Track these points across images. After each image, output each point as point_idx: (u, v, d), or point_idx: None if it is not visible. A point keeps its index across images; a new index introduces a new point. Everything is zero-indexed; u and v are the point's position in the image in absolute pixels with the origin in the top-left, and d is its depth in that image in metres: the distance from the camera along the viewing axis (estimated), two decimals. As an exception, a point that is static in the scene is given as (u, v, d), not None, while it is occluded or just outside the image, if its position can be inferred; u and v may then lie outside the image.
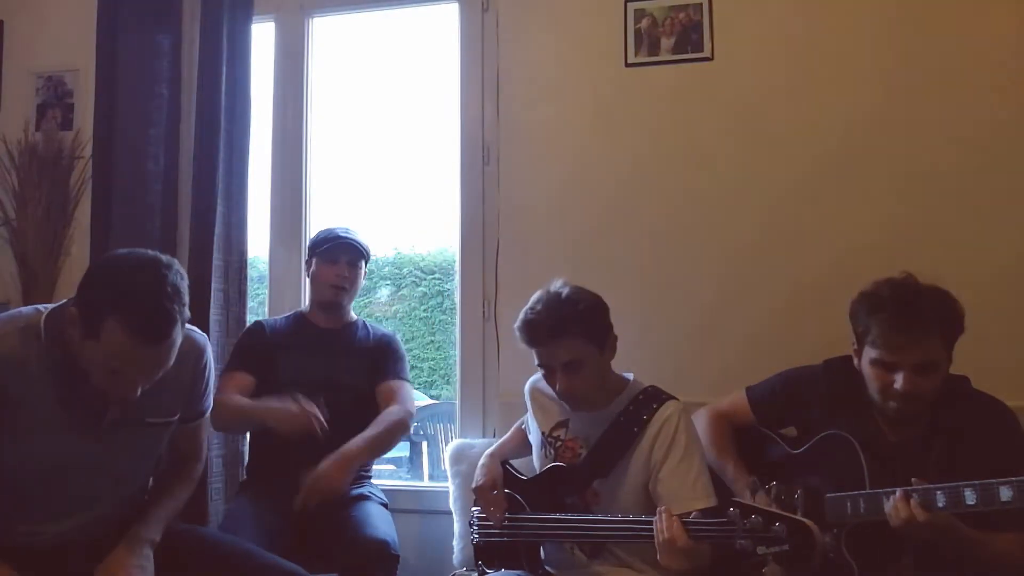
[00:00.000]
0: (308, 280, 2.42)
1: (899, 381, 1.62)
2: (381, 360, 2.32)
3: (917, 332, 1.61)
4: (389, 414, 2.18)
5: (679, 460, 1.73)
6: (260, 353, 2.30)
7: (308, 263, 2.39)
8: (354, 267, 2.34)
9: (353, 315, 2.43)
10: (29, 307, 1.62)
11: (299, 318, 2.41)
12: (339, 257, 2.32)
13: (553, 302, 1.74)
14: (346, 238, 2.33)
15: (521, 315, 1.77)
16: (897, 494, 1.57)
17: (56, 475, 1.60)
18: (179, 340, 1.51)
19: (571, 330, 1.72)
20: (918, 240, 2.24)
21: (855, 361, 1.77)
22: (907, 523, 1.54)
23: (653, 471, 1.76)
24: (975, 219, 2.22)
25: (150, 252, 1.52)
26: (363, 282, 2.41)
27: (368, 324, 2.43)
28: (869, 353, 1.68)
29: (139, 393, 1.52)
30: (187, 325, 1.69)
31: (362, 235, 2.39)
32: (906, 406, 1.65)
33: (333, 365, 2.28)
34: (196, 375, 1.75)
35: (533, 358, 1.79)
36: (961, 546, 1.56)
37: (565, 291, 1.76)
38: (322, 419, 2.05)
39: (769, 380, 1.96)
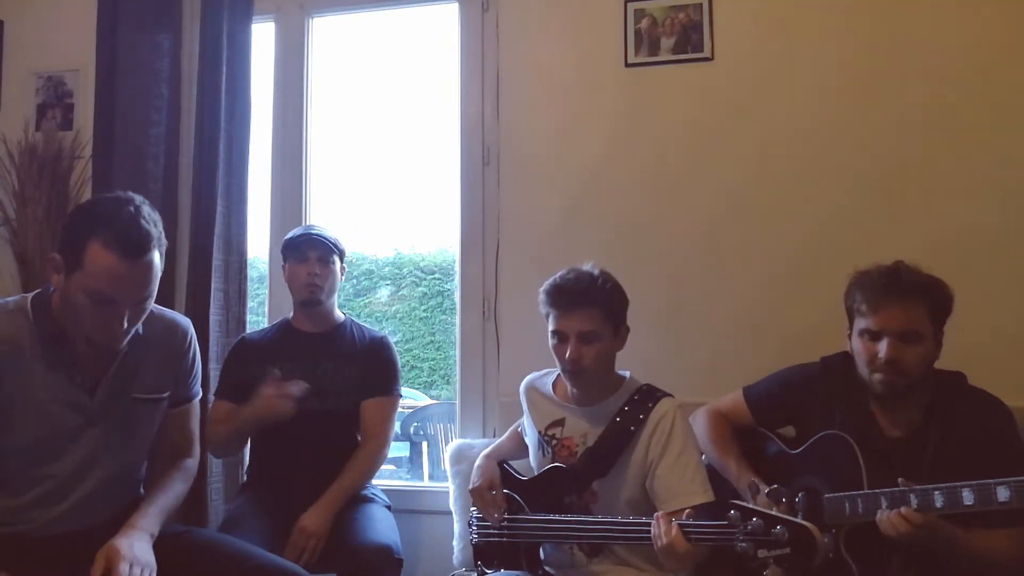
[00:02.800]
0: (287, 284, 2.36)
1: (883, 349, 1.65)
2: (372, 370, 2.28)
3: (899, 294, 1.66)
4: (367, 458, 2.20)
5: (676, 456, 1.74)
6: (243, 374, 2.27)
7: (283, 267, 2.35)
8: (325, 263, 2.29)
9: (340, 315, 2.39)
10: (14, 296, 1.68)
11: (284, 326, 2.38)
12: (308, 255, 2.28)
13: (583, 274, 1.81)
14: (313, 235, 2.30)
15: (549, 280, 1.83)
16: (891, 511, 1.57)
17: (49, 453, 1.62)
18: (159, 265, 1.58)
19: (594, 302, 1.77)
20: (919, 240, 2.23)
21: (848, 347, 1.79)
22: (901, 536, 1.54)
23: (650, 468, 1.77)
24: (976, 219, 2.22)
25: (121, 192, 1.62)
26: (341, 279, 2.36)
27: (358, 325, 2.40)
28: (858, 325, 1.72)
29: (126, 329, 1.56)
30: (175, 312, 1.82)
31: (331, 231, 2.35)
32: (891, 377, 1.66)
33: (322, 372, 2.26)
34: (181, 353, 1.80)
35: (550, 323, 1.82)
36: (950, 546, 1.57)
37: (596, 270, 1.83)
38: (294, 391, 2.08)
39: (766, 380, 1.97)
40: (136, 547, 1.57)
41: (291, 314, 2.40)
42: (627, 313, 1.86)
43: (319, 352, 2.28)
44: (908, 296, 1.66)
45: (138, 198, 1.59)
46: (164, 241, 1.60)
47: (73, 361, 1.63)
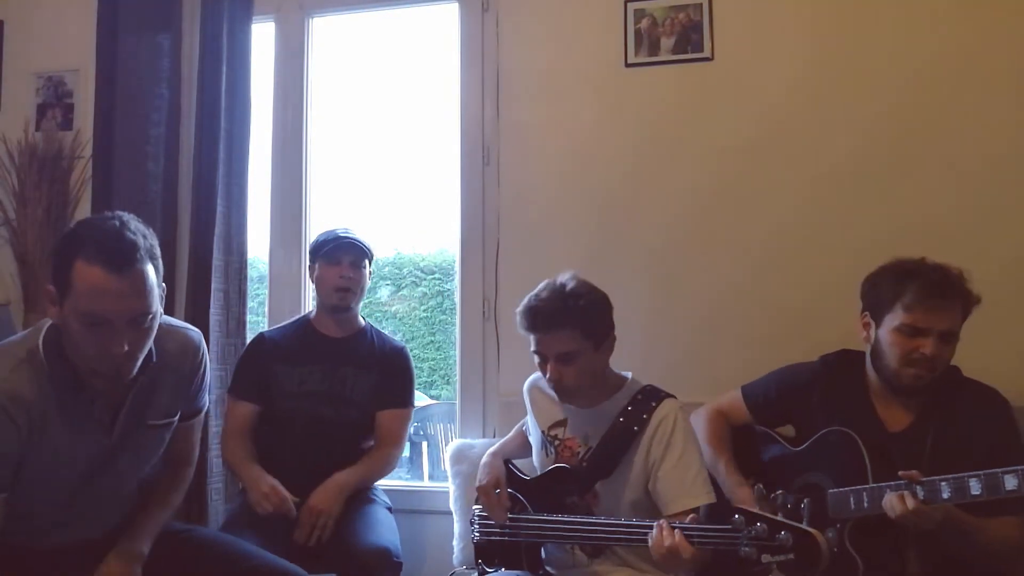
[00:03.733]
0: (313, 285, 2.35)
1: (928, 346, 1.67)
2: (389, 381, 2.27)
3: (950, 298, 1.69)
4: (381, 457, 2.22)
5: (677, 458, 1.74)
6: (261, 373, 2.27)
7: (311, 268, 2.33)
8: (357, 268, 2.27)
9: (362, 321, 2.38)
10: (24, 332, 1.62)
11: (305, 326, 2.36)
12: (341, 258, 2.25)
13: (557, 293, 1.76)
14: (347, 238, 2.27)
15: (524, 300, 1.79)
16: (893, 494, 1.57)
17: (68, 487, 1.60)
18: (153, 279, 1.48)
19: (568, 323, 1.73)
20: (922, 240, 2.22)
21: (864, 335, 1.79)
22: (905, 516, 1.54)
23: (652, 470, 1.76)
24: (980, 221, 2.22)
25: (107, 212, 1.54)
26: (369, 282, 2.35)
27: (379, 332, 2.38)
28: (895, 319, 1.71)
29: (128, 352, 1.46)
30: (182, 323, 1.75)
31: (363, 235, 2.33)
32: (924, 373, 1.68)
33: (340, 378, 2.25)
34: (193, 373, 1.74)
35: (530, 343, 1.80)
36: (960, 534, 1.57)
37: (571, 284, 1.77)
38: (291, 505, 2.04)
39: (765, 378, 1.97)
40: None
41: (312, 314, 2.38)
42: (613, 319, 1.81)
43: (339, 357, 2.27)
44: (956, 298, 1.69)
45: (125, 215, 1.50)
46: (157, 254, 1.50)
47: (91, 402, 1.57)
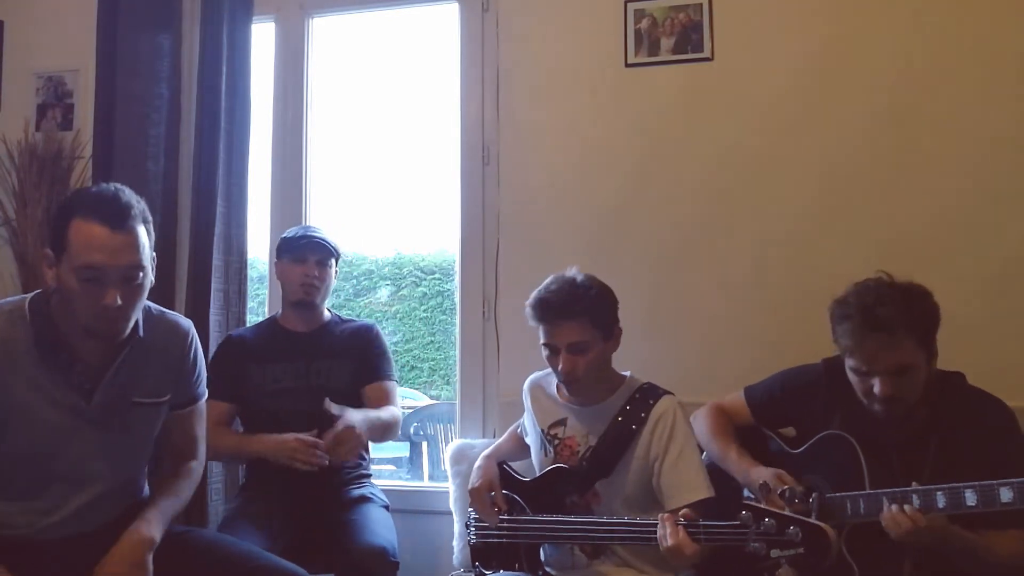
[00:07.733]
0: (279, 282, 2.35)
1: (877, 386, 1.62)
2: (367, 359, 2.27)
3: (884, 338, 1.59)
4: (388, 411, 2.17)
5: (678, 453, 1.75)
6: (233, 373, 2.25)
7: (276, 264, 2.34)
8: (323, 266, 2.28)
9: (327, 313, 2.38)
10: (14, 296, 1.67)
11: (272, 325, 2.37)
12: (307, 256, 2.26)
13: (567, 284, 1.80)
14: (314, 238, 2.28)
15: (534, 293, 1.82)
16: (892, 507, 1.56)
17: (48, 457, 1.61)
18: (146, 240, 1.58)
19: (580, 312, 1.76)
20: (917, 237, 2.24)
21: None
22: (907, 534, 1.53)
23: (653, 465, 1.77)
24: (974, 217, 2.22)
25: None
26: (335, 282, 2.35)
27: (342, 319, 2.39)
28: (847, 361, 1.69)
29: (121, 307, 1.52)
30: (171, 312, 1.80)
31: (329, 233, 2.34)
32: (889, 408, 1.64)
33: (314, 370, 2.25)
34: (182, 355, 1.77)
35: (540, 336, 1.81)
36: (963, 551, 1.56)
37: (580, 277, 1.81)
38: (319, 458, 1.98)
39: (768, 381, 1.96)
40: (131, 563, 1.58)
41: (278, 313, 2.39)
42: (618, 313, 1.84)
43: (311, 352, 2.27)
44: (892, 334, 1.58)
45: (120, 184, 1.61)
46: (149, 219, 1.60)
47: (71, 364, 1.60)
